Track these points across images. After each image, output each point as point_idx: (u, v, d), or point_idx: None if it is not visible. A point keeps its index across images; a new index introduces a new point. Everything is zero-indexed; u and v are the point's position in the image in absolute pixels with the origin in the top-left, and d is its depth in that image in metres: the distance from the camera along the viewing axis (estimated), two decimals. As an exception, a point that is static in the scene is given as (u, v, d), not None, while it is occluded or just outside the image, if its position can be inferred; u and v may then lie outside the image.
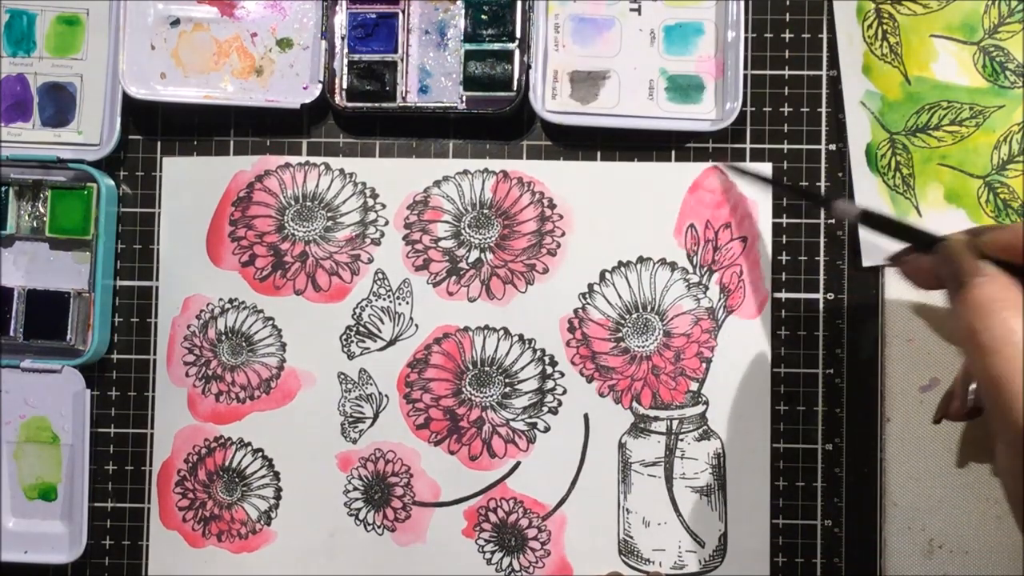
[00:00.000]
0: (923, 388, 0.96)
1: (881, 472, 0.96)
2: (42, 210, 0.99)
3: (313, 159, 1.00)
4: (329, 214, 1.00)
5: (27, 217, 1.00)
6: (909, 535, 0.95)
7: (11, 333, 0.99)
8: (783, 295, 0.98)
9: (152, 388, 1.01)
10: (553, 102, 0.99)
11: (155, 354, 1.01)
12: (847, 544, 0.97)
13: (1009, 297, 0.67)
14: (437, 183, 0.99)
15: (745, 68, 0.98)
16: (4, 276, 1.00)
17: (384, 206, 0.99)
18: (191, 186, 1.01)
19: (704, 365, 0.97)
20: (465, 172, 0.99)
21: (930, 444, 0.95)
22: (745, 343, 0.97)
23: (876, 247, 0.96)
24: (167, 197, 1.01)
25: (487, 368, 0.98)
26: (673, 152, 0.99)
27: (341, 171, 1.00)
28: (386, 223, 0.99)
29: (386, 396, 0.98)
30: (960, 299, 0.69)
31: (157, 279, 1.01)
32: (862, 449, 0.97)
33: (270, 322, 0.99)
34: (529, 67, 0.97)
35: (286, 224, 1.00)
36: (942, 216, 0.95)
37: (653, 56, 0.99)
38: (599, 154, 1.00)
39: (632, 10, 0.99)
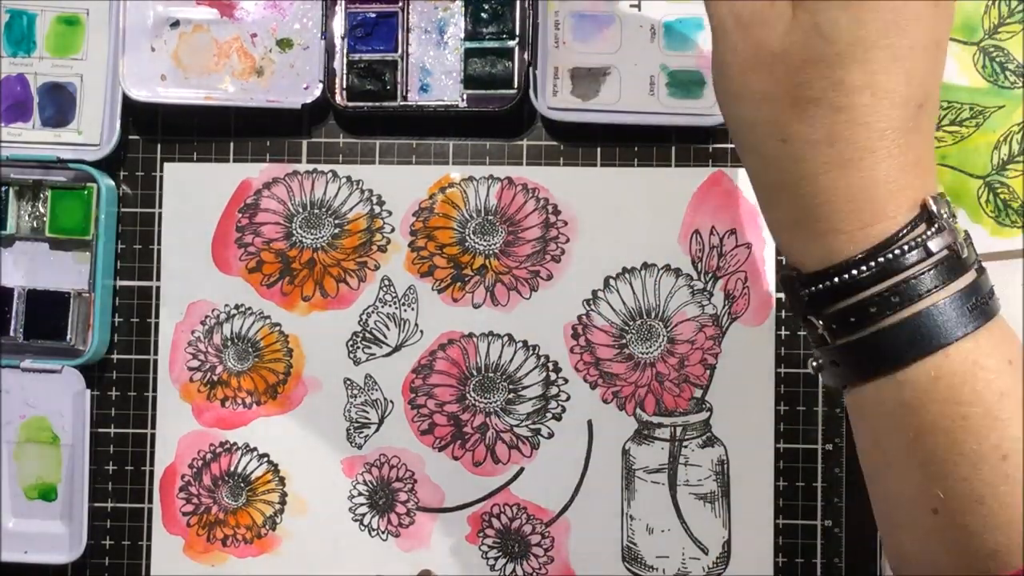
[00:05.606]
0: (922, 389, 0.96)
1: (880, 473, 0.97)
2: (42, 210, 0.99)
3: (321, 167, 1.00)
4: (336, 221, 0.99)
5: (27, 217, 1.00)
6: (908, 536, 0.96)
7: (11, 333, 0.98)
8: (782, 294, 0.98)
9: (152, 388, 1.01)
10: (554, 99, 0.98)
11: (155, 354, 1.00)
12: (847, 544, 0.98)
13: None
14: (442, 189, 0.99)
15: (746, 68, 0.97)
16: (4, 276, 1.00)
17: (390, 213, 0.99)
18: (196, 192, 1.01)
19: (708, 372, 0.97)
20: (470, 179, 0.99)
21: (929, 446, 0.96)
22: (749, 350, 0.98)
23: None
24: (170, 202, 1.01)
25: (491, 374, 0.98)
26: (673, 148, 0.99)
27: (348, 178, 1.00)
28: (392, 230, 0.99)
29: (391, 402, 0.99)
30: None
31: (157, 279, 1.01)
32: (862, 450, 0.98)
33: (276, 328, 0.99)
34: (530, 64, 0.97)
35: (294, 231, 0.99)
36: (942, 217, 0.96)
37: (654, 52, 0.98)
38: (600, 151, 1.00)
39: (632, 6, 0.99)
